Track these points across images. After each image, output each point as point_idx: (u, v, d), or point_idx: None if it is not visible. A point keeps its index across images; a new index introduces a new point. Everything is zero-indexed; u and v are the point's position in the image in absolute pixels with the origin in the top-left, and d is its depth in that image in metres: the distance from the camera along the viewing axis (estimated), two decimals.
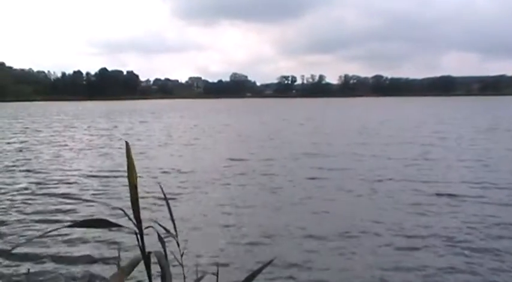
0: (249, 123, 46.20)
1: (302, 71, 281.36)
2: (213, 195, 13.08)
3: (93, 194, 13.48)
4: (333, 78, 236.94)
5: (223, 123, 44.93)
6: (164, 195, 2.06)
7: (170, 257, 2.21)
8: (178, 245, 1.96)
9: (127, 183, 1.71)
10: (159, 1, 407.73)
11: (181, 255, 2.04)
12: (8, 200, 12.89)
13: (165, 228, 1.97)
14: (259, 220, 10.56)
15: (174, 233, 1.93)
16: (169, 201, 1.65)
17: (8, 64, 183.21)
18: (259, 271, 1.87)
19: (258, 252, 8.50)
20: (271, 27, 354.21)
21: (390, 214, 10.82)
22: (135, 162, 1.71)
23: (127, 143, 1.68)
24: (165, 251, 1.76)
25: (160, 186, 2.15)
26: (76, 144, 27.47)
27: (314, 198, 12.59)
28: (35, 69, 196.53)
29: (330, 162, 18.82)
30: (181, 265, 2.06)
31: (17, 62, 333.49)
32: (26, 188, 14.40)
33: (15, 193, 13.76)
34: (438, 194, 12.78)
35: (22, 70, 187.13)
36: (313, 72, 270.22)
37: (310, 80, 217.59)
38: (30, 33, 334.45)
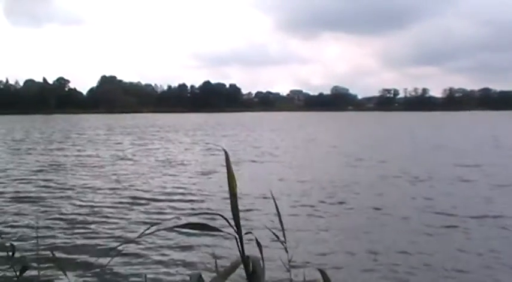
0: (341, 138, 45.13)
1: (405, 83, 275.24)
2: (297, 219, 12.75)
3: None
4: (437, 92, 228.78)
5: (312, 138, 44.16)
6: (275, 202, 2.10)
7: (278, 262, 2.26)
8: (286, 251, 1.99)
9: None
10: (262, 14, 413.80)
11: (289, 261, 2.08)
12: (104, 206, 13.75)
13: (275, 234, 2.01)
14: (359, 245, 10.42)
15: (283, 238, 1.96)
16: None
17: (118, 77, 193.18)
18: None
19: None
20: (374, 39, 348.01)
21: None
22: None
23: (226, 152, 1.74)
24: (262, 256, 1.81)
25: (272, 194, 2.20)
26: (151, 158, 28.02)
27: (412, 232, 11.54)
28: (143, 82, 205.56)
29: (426, 188, 17.38)
30: (289, 270, 2.10)
31: (127, 75, 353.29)
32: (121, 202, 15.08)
33: (110, 199, 14.69)
34: None
35: (131, 83, 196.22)
36: (416, 85, 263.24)
37: (413, 93, 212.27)
38: (139, 47, 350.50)
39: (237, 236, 1.70)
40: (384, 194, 16.37)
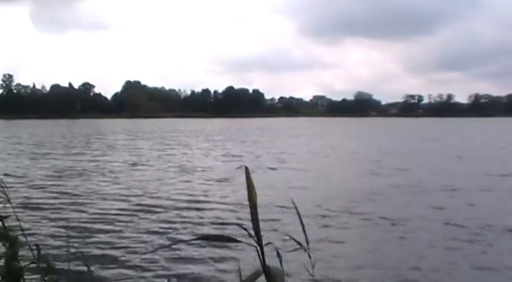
0: (363, 144, 44.64)
1: (429, 89, 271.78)
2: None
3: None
4: (462, 98, 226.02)
5: (333, 144, 43.69)
6: (296, 208, 2.11)
7: (302, 269, 2.27)
8: (310, 257, 1.99)
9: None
10: (284, 19, 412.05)
11: (313, 267, 2.08)
12: (124, 217, 13.80)
13: (297, 241, 2.00)
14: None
15: (306, 245, 1.95)
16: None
17: (143, 82, 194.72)
18: None
19: None
20: (398, 44, 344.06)
21: None
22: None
23: (247, 168, 1.76)
24: (281, 265, 1.80)
25: (292, 201, 2.20)
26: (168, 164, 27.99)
27: (434, 246, 11.09)
28: (167, 87, 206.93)
29: (448, 199, 16.77)
30: (312, 276, 2.10)
31: (151, 80, 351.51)
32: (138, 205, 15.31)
33: (127, 211, 14.64)
34: None
35: (155, 88, 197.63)
36: (441, 90, 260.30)
37: (438, 99, 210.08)
38: (163, 53, 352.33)
39: (258, 246, 1.71)
40: (404, 204, 16.06)
